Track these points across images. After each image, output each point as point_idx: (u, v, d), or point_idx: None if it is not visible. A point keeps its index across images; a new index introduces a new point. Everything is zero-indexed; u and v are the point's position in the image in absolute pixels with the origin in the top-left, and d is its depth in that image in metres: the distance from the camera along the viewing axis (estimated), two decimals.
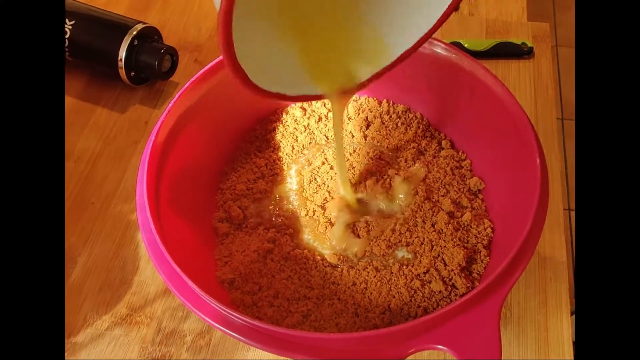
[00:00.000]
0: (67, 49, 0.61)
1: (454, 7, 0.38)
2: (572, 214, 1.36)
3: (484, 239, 0.45)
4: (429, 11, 0.39)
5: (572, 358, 0.45)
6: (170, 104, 0.46)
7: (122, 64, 0.60)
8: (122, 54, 0.59)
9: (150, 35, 0.62)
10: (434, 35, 0.51)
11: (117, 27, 0.60)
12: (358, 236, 0.47)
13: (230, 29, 0.29)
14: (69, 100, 0.62)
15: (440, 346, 0.35)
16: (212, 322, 0.37)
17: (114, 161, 0.58)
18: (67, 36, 0.60)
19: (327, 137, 0.54)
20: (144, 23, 0.61)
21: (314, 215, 0.49)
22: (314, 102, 0.55)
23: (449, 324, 0.36)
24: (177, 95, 0.47)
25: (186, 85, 0.48)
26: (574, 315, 1.11)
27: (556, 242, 0.51)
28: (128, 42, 0.59)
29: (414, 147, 0.52)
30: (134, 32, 0.60)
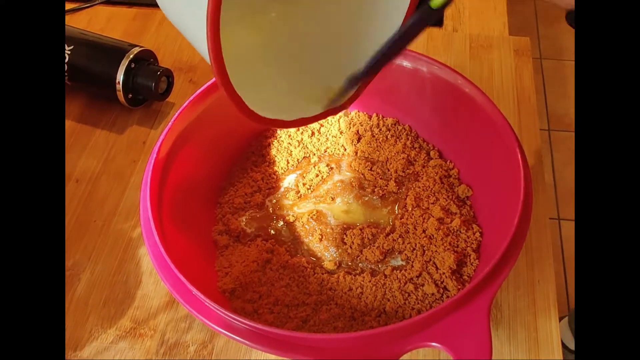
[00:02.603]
0: (66, 74, 0.63)
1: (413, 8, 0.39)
2: (562, 223, 1.39)
3: (473, 243, 0.47)
4: (393, 16, 0.40)
5: (561, 356, 0.47)
6: (169, 124, 0.48)
7: (119, 86, 0.62)
8: (120, 77, 0.61)
9: (146, 58, 0.64)
10: (420, 51, 0.54)
11: (114, 51, 0.62)
12: (352, 244, 0.49)
13: (221, 57, 0.32)
14: (69, 123, 0.64)
15: (434, 343, 0.37)
16: (217, 328, 0.38)
17: (114, 180, 0.60)
18: (67, 61, 0.62)
19: (319, 151, 0.56)
20: (140, 46, 0.63)
21: (309, 225, 0.51)
22: None
23: (442, 323, 0.38)
24: (175, 115, 0.49)
25: (184, 105, 0.50)
26: (566, 318, 1.12)
27: (543, 246, 0.53)
28: (125, 65, 0.61)
29: (403, 158, 0.54)
30: (131, 56, 0.62)
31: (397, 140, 0.56)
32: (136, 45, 0.63)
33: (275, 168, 0.55)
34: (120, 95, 0.62)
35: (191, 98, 0.51)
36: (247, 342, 0.38)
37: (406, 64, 0.54)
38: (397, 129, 0.57)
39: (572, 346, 1.07)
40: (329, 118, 0.58)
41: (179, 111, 0.49)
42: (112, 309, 0.51)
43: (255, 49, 0.41)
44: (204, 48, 0.31)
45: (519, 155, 0.45)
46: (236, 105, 0.35)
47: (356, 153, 0.56)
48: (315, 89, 0.41)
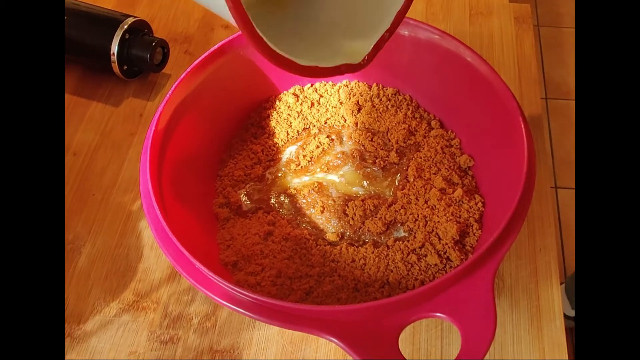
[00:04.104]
0: None
1: None
2: (559, 191, 1.39)
3: (475, 214, 0.47)
4: None
5: (563, 324, 0.47)
6: (167, 95, 0.48)
7: (114, 58, 0.61)
8: (114, 48, 0.60)
9: (140, 29, 0.63)
10: (419, 19, 0.53)
11: (108, 22, 0.61)
12: (354, 215, 0.49)
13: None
14: (65, 96, 0.63)
15: (438, 314, 0.37)
16: (221, 300, 0.38)
17: (112, 153, 0.59)
18: None
19: (320, 122, 0.56)
20: (134, 17, 0.62)
21: (310, 197, 0.50)
22: (305, 89, 0.57)
23: (446, 293, 0.38)
24: (173, 86, 0.48)
25: (182, 76, 0.49)
26: (563, 285, 1.13)
27: (544, 215, 0.53)
28: (119, 36, 0.60)
29: (404, 128, 0.54)
30: (125, 26, 0.60)
31: (398, 110, 0.56)
32: (130, 16, 0.62)
33: (275, 140, 0.54)
34: (115, 66, 0.61)
35: (189, 69, 0.50)
36: (251, 314, 0.38)
37: (406, 32, 0.54)
38: (398, 99, 0.56)
39: (569, 312, 1.09)
40: (328, 89, 0.57)
41: (176, 82, 0.49)
42: (114, 282, 0.50)
43: None
44: None
45: (522, 125, 0.45)
46: (246, 30, 0.32)
47: (356, 124, 0.56)
48: (332, 40, 0.40)
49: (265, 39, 0.33)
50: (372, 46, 0.40)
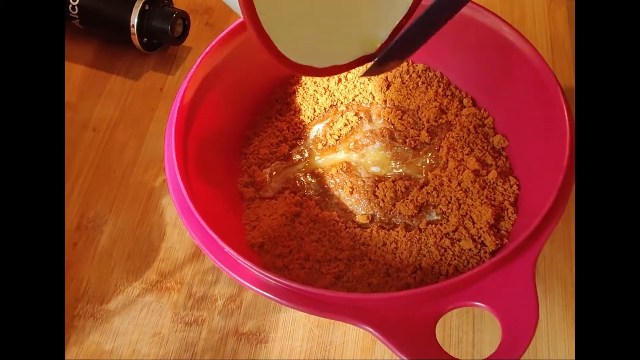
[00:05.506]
0: (77, 17, 0.60)
1: None
2: None
3: (510, 197, 0.46)
4: None
5: None
6: (192, 70, 0.46)
7: (134, 30, 0.59)
8: (134, 19, 0.58)
9: (160, 0, 0.61)
10: None
11: None
12: (385, 197, 0.47)
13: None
14: (83, 69, 0.62)
15: (478, 303, 0.36)
16: (248, 284, 0.37)
17: (132, 129, 0.57)
18: (77, 3, 0.59)
19: (347, 99, 0.54)
20: None
21: (339, 177, 0.49)
22: None
23: (485, 281, 0.36)
24: (199, 60, 0.46)
25: (207, 50, 0.47)
26: None
27: None
28: (139, 7, 0.58)
29: (435, 106, 0.52)
30: None
31: (429, 87, 0.54)
32: None
33: (302, 117, 0.53)
34: (135, 39, 0.59)
35: (213, 42, 0.48)
36: (280, 300, 0.37)
37: None
38: (428, 76, 0.54)
39: None
40: None
41: (201, 56, 0.47)
42: (136, 261, 0.49)
43: None
44: None
45: (564, 105, 0.43)
46: (266, 47, 0.32)
47: (385, 101, 0.54)
48: (351, 32, 0.38)
49: (281, 50, 0.32)
50: (388, 34, 0.39)
